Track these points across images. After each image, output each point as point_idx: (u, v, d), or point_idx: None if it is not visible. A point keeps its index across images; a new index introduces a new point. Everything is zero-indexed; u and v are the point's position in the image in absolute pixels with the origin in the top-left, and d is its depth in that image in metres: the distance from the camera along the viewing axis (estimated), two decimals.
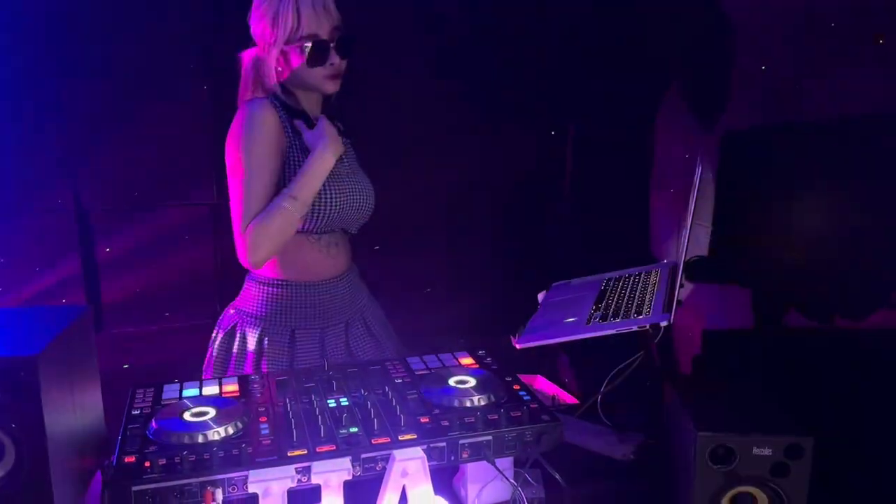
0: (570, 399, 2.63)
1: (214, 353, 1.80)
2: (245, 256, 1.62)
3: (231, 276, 2.33)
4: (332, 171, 1.64)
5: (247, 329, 1.75)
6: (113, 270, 2.19)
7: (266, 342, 1.72)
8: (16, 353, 0.87)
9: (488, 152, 2.64)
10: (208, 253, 2.28)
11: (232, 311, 1.80)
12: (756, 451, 1.08)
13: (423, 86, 2.43)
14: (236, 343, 1.76)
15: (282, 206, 1.58)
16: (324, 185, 1.63)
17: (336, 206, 1.67)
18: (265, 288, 1.74)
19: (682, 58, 1.97)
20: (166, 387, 1.36)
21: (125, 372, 2.22)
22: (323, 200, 1.64)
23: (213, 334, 1.82)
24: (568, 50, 2.60)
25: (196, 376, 1.43)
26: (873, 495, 1.30)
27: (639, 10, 2.17)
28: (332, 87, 1.66)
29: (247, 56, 1.69)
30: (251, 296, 1.77)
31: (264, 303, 1.74)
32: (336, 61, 1.61)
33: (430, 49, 2.45)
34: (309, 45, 1.58)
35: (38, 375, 0.86)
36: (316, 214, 1.65)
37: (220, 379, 1.40)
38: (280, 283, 1.73)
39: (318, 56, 1.59)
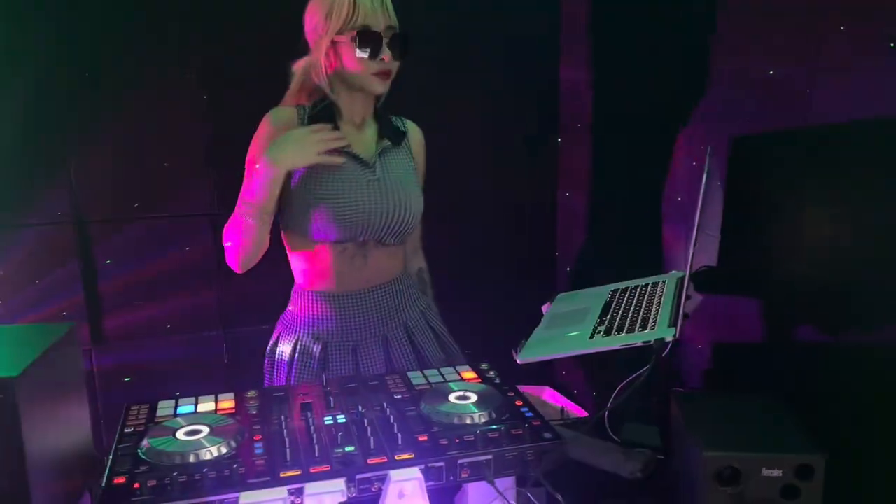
0: (579, 412, 2.58)
1: (266, 361, 1.78)
2: (227, 260, 1.61)
3: (233, 287, 2.33)
4: (345, 179, 1.59)
5: (285, 337, 1.73)
6: (113, 282, 2.18)
7: (297, 353, 1.69)
8: None
9: (499, 155, 2.62)
10: (210, 263, 2.26)
11: (281, 319, 1.78)
12: (765, 472, 1.04)
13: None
14: (278, 350, 1.74)
15: (236, 210, 1.57)
16: (312, 194, 1.58)
17: (326, 215, 1.58)
18: (298, 297, 1.72)
19: (689, 62, 1.93)
20: (161, 403, 1.33)
21: (127, 385, 2.20)
22: (310, 210, 1.58)
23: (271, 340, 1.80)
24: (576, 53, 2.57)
25: (199, 390, 1.38)
26: None
27: (646, 14, 2.14)
28: (380, 87, 1.58)
29: (298, 64, 1.64)
30: (292, 303, 1.74)
31: (298, 312, 1.71)
32: (387, 57, 1.54)
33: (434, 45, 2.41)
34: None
35: (15, 397, 0.84)
36: (307, 223, 1.60)
37: (216, 395, 1.38)
38: (309, 293, 1.69)
39: (368, 43, 1.52)
